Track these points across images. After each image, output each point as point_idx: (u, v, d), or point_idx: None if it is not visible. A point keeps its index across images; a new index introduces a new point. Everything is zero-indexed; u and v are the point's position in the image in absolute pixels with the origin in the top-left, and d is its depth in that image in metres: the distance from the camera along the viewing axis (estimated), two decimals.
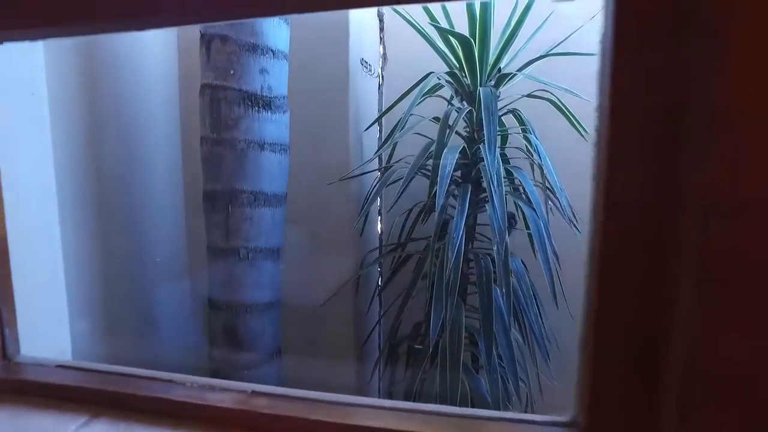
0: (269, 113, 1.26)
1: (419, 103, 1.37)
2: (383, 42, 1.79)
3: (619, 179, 0.34)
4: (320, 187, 1.52)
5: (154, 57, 1.44)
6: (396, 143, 1.49)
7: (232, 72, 1.20)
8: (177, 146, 1.50)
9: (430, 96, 1.44)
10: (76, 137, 1.15)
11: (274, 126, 1.28)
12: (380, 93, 1.83)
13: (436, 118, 1.37)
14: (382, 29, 1.78)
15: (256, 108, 1.23)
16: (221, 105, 1.20)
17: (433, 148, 1.31)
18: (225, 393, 0.47)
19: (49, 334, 0.59)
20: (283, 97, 1.31)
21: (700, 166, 0.30)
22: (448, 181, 1.23)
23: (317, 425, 0.44)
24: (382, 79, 1.81)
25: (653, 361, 0.35)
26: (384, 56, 1.80)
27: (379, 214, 1.84)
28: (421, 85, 1.37)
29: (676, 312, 0.32)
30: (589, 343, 0.36)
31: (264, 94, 1.24)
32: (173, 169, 1.48)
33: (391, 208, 1.54)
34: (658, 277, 0.34)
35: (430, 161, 1.34)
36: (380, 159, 1.68)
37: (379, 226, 1.85)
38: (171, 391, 0.48)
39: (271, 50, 1.23)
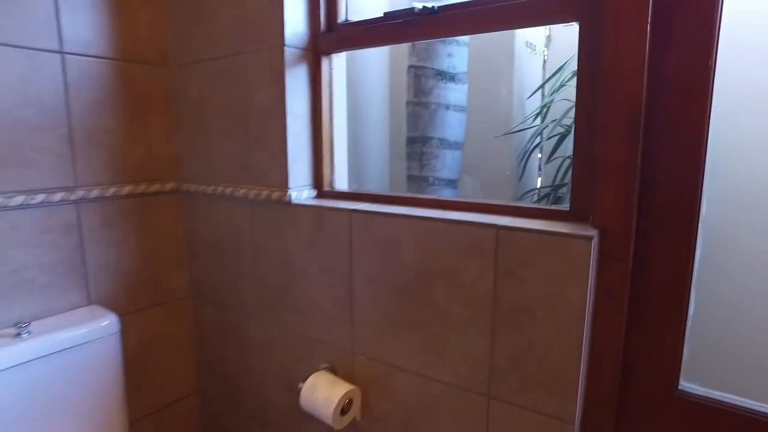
0: (453, 84, 1.83)
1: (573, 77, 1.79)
2: (548, 27, 2.22)
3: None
4: (489, 140, 2.04)
5: (376, 50, 2.12)
6: (549, 107, 1.94)
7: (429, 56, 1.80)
8: (386, 107, 2.17)
9: None
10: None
11: (456, 93, 1.85)
12: (544, 69, 2.27)
13: None
14: None
15: (444, 81, 1.81)
16: (420, 79, 1.80)
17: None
18: (427, 195, 1.08)
19: (341, 185, 1.29)
20: (464, 73, 1.87)
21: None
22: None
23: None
24: (547, 56, 2.24)
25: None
26: (549, 38, 2.23)
27: (540, 167, 2.29)
28: (569, 61, 1.80)
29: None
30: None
31: (449, 71, 1.81)
32: (383, 123, 2.16)
33: (549, 157, 1.99)
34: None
35: None
36: (543, 119, 2.13)
37: (539, 179, 2.30)
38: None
39: (455, 40, 1.79)
